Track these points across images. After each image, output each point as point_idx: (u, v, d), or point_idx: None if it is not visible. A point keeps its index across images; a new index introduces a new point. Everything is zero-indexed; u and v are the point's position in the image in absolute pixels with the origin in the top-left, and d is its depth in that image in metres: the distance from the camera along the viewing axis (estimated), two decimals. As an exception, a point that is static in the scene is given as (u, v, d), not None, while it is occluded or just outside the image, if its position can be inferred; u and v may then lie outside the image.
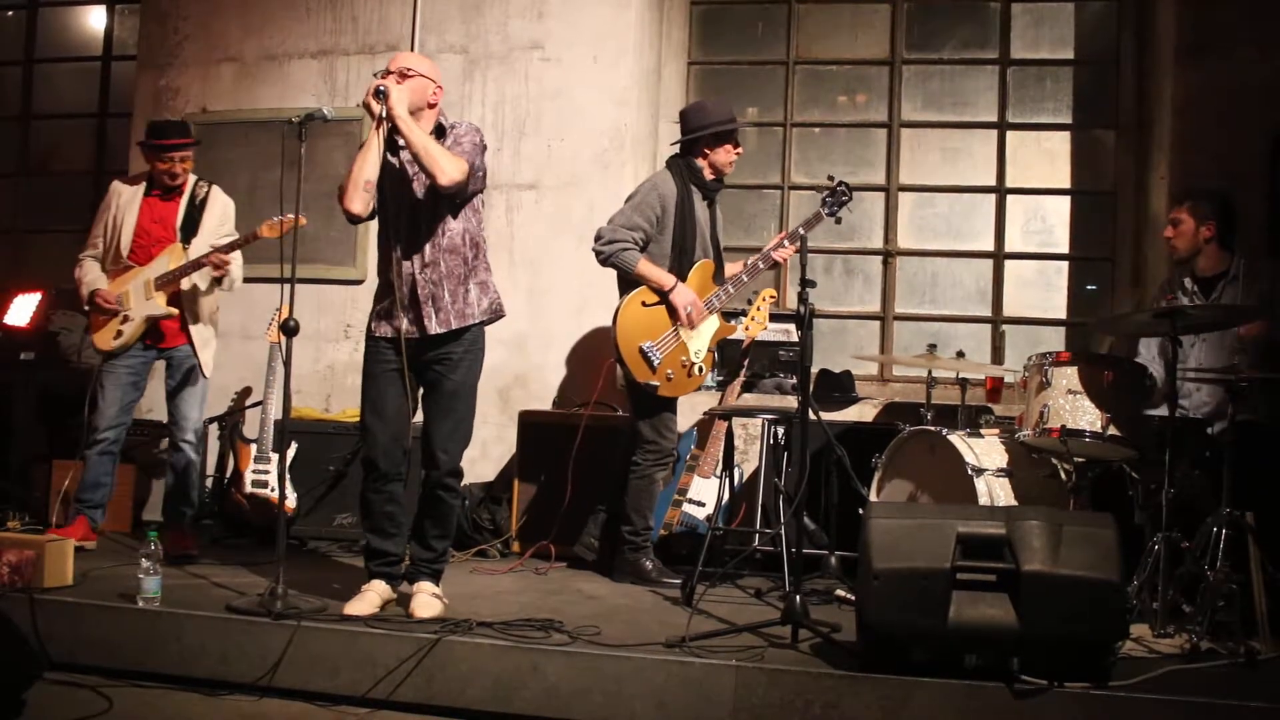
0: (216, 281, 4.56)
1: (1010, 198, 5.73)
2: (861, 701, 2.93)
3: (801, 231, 4.31)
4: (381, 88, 3.46)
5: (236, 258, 4.58)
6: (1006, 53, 5.76)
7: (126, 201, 4.63)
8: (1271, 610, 3.39)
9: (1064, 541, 2.94)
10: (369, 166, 3.52)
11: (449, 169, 3.47)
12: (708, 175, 4.48)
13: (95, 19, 6.97)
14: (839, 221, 4.62)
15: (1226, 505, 3.45)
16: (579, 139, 5.63)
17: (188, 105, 6.05)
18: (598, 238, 4.38)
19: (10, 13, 7.07)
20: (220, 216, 4.70)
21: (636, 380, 4.30)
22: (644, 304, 4.34)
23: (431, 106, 3.61)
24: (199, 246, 4.56)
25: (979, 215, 5.78)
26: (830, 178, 4.59)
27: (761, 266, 4.48)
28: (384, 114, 3.45)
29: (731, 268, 4.58)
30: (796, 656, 3.15)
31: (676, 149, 4.58)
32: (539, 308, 5.57)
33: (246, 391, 5.76)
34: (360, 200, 3.54)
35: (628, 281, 4.38)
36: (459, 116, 5.67)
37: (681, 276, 4.37)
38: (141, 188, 4.66)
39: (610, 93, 5.61)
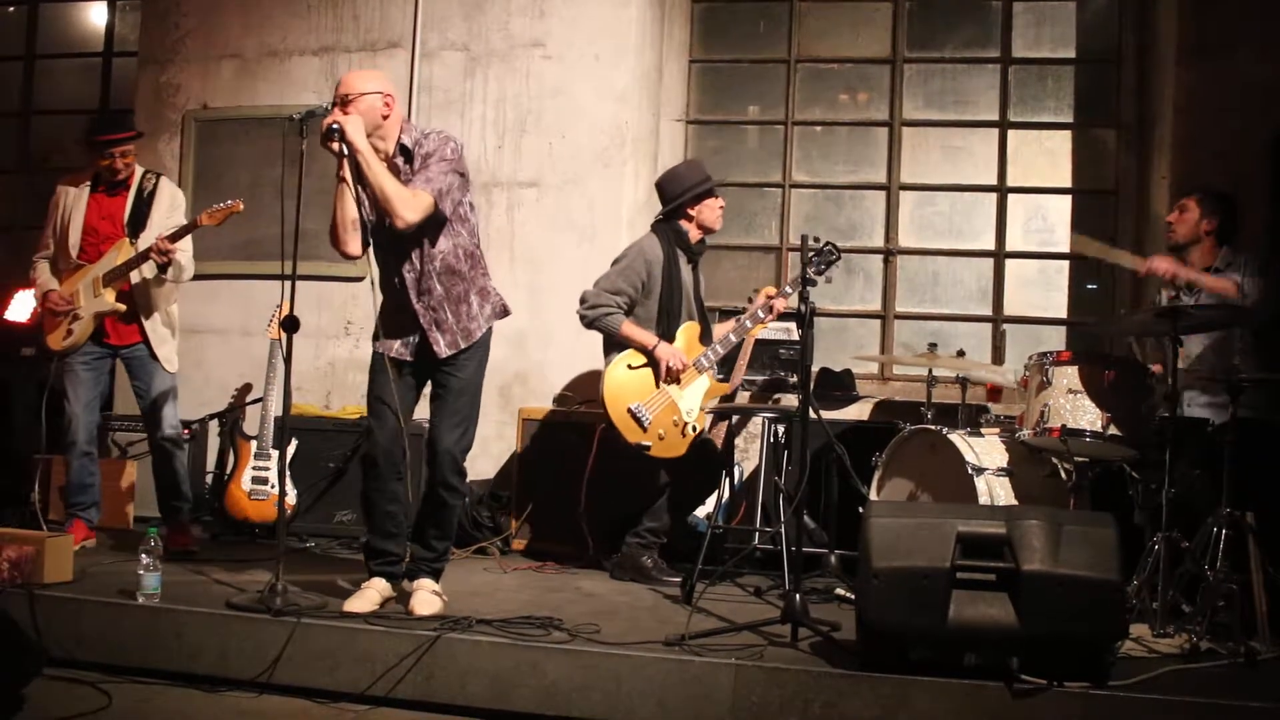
0: (161, 270, 4.44)
1: (1011, 197, 5.73)
2: (861, 700, 2.93)
3: (788, 290, 4.41)
4: (334, 126, 3.38)
5: (186, 247, 4.48)
6: (1008, 52, 5.76)
7: (73, 201, 4.56)
8: (1271, 610, 3.39)
9: (1064, 541, 2.94)
10: (349, 207, 3.49)
11: (404, 213, 3.40)
12: (694, 237, 4.53)
13: (96, 15, 6.97)
14: (829, 281, 4.65)
15: (1226, 505, 3.46)
16: (580, 137, 5.63)
17: (188, 102, 6.05)
18: (582, 301, 4.41)
19: (11, 8, 7.06)
20: (168, 207, 4.60)
21: (628, 442, 4.28)
22: (630, 366, 4.34)
23: (386, 118, 3.51)
24: (148, 240, 4.44)
25: (980, 214, 5.78)
26: (815, 239, 4.56)
27: (749, 325, 4.49)
28: (344, 151, 3.39)
29: (720, 328, 4.59)
30: (796, 655, 3.15)
31: (661, 217, 4.59)
32: (540, 305, 5.57)
33: (247, 388, 5.77)
34: (352, 241, 3.54)
35: (613, 344, 4.40)
36: (460, 114, 5.73)
37: (668, 339, 4.39)
38: (87, 185, 4.58)
39: (611, 91, 5.61)
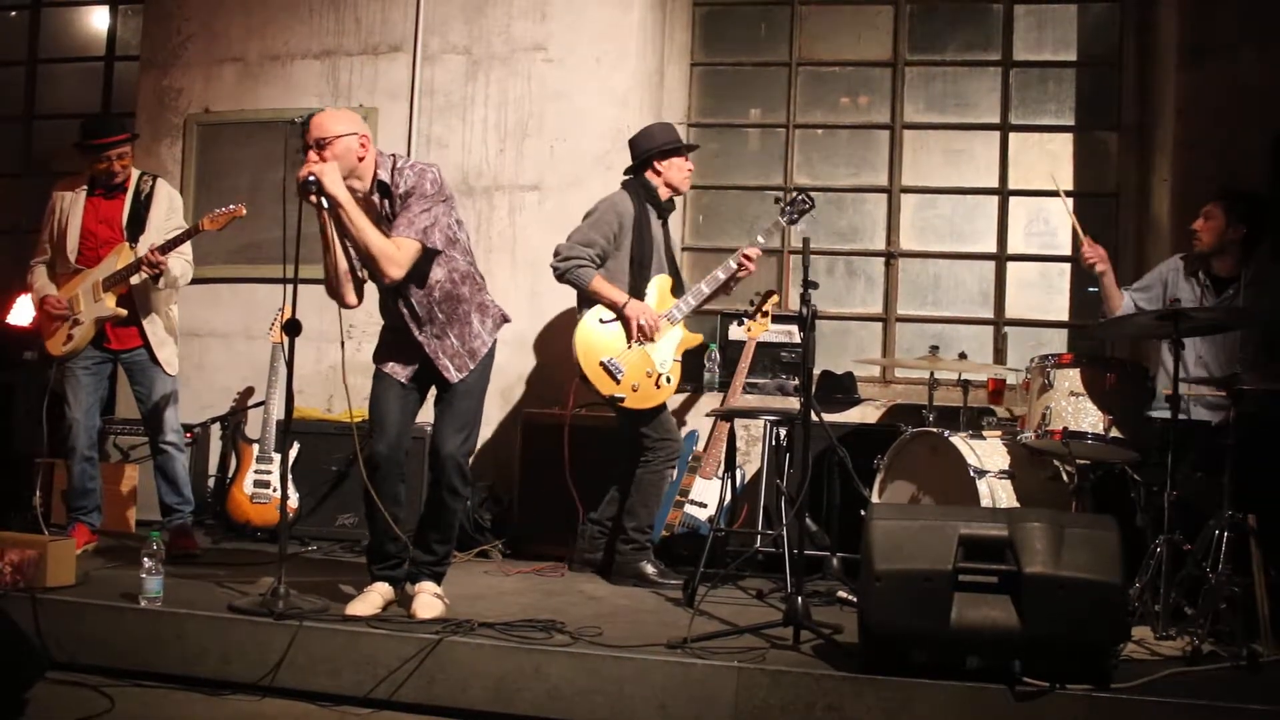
0: (154, 280, 4.41)
1: (1012, 200, 5.73)
2: (863, 703, 2.93)
3: (761, 240, 4.50)
4: (311, 178, 3.30)
5: (185, 251, 4.48)
6: (1009, 54, 5.76)
7: (69, 205, 4.53)
8: (1273, 613, 3.38)
9: (1066, 543, 2.94)
10: (340, 260, 3.50)
11: (390, 270, 3.40)
12: (663, 195, 4.55)
13: (98, 19, 6.98)
14: (798, 227, 4.65)
15: (1228, 507, 3.45)
16: (581, 140, 5.63)
17: (190, 105, 6.05)
18: (555, 254, 4.42)
19: (13, 13, 7.07)
20: (167, 210, 4.58)
21: (602, 395, 4.32)
22: (602, 320, 4.37)
23: (362, 159, 3.45)
24: (147, 243, 4.43)
25: (981, 217, 5.78)
26: (791, 189, 4.63)
27: (722, 277, 4.51)
28: (326, 205, 3.35)
29: (693, 284, 4.60)
30: (798, 658, 3.15)
31: (630, 175, 4.62)
32: (541, 308, 5.57)
33: (249, 392, 5.77)
34: (350, 292, 3.56)
35: (585, 299, 4.42)
36: (461, 118, 5.73)
37: (640, 291, 4.42)
38: (83, 189, 4.55)
39: (613, 94, 5.61)
